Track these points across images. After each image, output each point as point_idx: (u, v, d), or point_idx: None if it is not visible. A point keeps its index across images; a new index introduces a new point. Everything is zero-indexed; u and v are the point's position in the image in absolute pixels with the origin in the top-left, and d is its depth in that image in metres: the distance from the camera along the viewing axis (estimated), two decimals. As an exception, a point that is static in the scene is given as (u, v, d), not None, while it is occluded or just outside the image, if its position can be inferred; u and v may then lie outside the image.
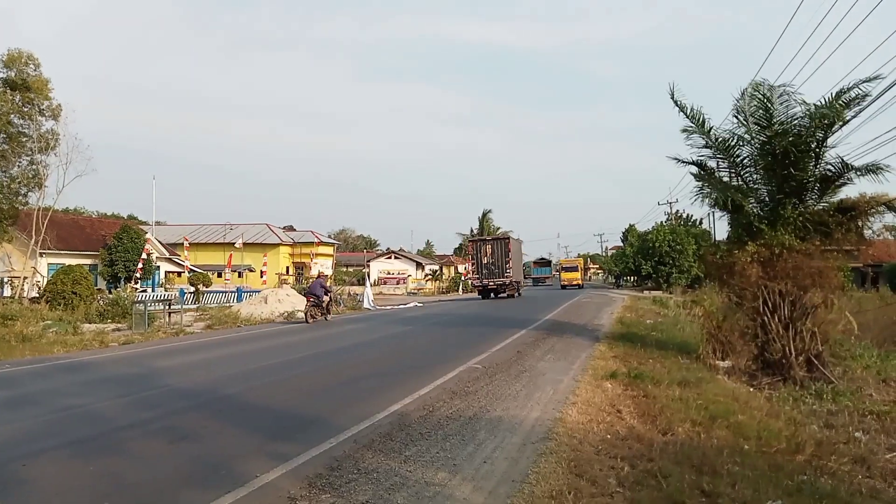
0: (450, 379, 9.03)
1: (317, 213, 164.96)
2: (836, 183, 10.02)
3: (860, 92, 9.40)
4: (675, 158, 11.61)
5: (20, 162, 27.94)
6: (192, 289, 32.74)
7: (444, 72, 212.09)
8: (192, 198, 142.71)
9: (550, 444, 5.60)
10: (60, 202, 31.93)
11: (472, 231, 75.47)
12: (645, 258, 48.49)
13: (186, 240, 38.11)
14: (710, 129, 10.90)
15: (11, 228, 28.46)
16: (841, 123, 9.67)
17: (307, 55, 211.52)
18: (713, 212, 15.70)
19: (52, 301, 22.90)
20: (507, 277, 35.58)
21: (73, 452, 5.65)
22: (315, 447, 5.55)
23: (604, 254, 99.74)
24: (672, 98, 11.07)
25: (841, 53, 16.65)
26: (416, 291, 57.87)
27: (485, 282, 36.21)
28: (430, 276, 66.82)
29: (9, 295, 28.42)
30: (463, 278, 62.71)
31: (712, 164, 11.59)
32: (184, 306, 24.58)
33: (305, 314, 20.81)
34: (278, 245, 52.77)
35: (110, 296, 24.08)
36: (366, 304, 30.95)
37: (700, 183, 11.20)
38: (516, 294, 37.27)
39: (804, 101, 9.91)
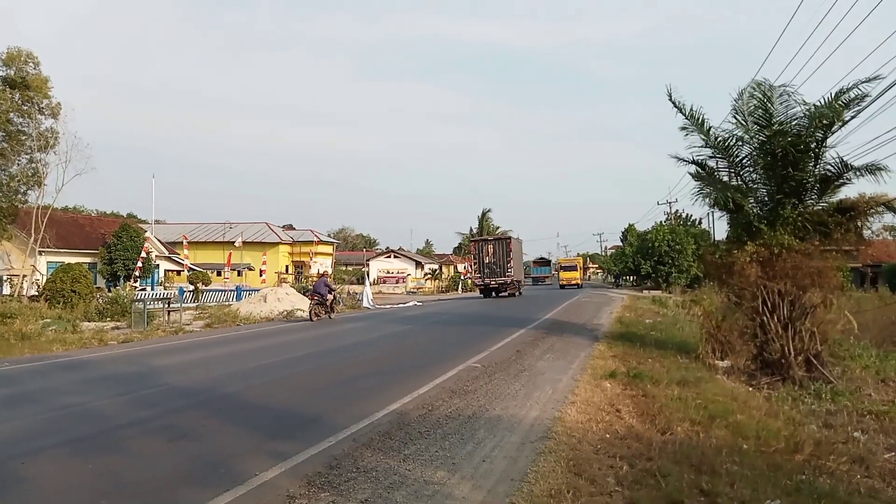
0: (449, 378, 9.03)
1: (316, 212, 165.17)
2: (836, 183, 10.03)
3: (860, 92, 9.40)
4: (676, 157, 11.63)
5: (20, 160, 27.94)
6: (192, 287, 32.75)
7: (444, 72, 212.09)
8: (192, 197, 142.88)
9: (549, 443, 5.60)
10: (60, 200, 32.02)
11: (471, 230, 75.52)
12: (644, 258, 48.54)
13: (186, 238, 38.10)
14: (710, 128, 10.90)
15: (11, 227, 28.43)
16: (840, 124, 9.68)
17: (307, 55, 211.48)
18: (712, 211, 15.72)
19: (51, 299, 22.90)
20: (508, 276, 36.02)
21: (72, 451, 5.65)
22: (314, 446, 5.55)
23: (603, 253, 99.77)
24: (670, 99, 11.08)
25: (841, 53, 16.67)
26: (415, 290, 57.88)
27: (486, 281, 36.69)
28: (429, 276, 66.88)
29: (8, 293, 28.43)
30: (462, 277, 62.81)
31: (712, 163, 11.59)
32: (183, 305, 24.58)
33: (310, 312, 21.03)
34: (278, 244, 52.77)
35: (109, 294, 24.11)
36: (365, 303, 30.97)
37: (700, 182, 11.21)
38: (517, 293, 37.68)
39: (804, 102, 9.92)
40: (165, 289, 34.61)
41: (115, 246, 34.39)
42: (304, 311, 23.83)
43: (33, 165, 28.43)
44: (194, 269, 37.27)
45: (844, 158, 9.83)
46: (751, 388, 9.15)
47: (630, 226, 68.59)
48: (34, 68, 27.41)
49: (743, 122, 10.50)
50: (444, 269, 77.50)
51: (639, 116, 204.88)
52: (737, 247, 10.41)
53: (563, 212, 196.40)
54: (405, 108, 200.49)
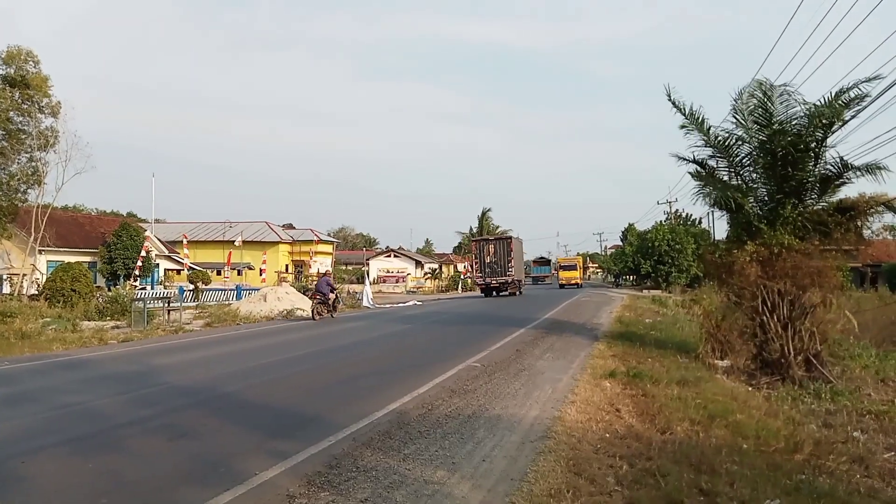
0: (449, 377, 9.03)
1: (316, 211, 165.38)
2: (836, 183, 10.03)
3: (859, 92, 9.40)
4: (676, 156, 11.62)
5: (19, 159, 27.96)
6: (192, 286, 32.73)
7: (444, 71, 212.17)
8: (192, 196, 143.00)
9: (549, 443, 5.61)
10: (60, 199, 32.07)
11: (471, 230, 75.45)
12: (644, 257, 48.56)
13: (185, 237, 38.08)
14: (709, 128, 10.89)
15: (11, 225, 28.44)
16: (840, 123, 9.68)
17: (307, 55, 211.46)
18: (712, 211, 15.73)
19: (51, 298, 22.90)
20: (509, 276, 36.39)
21: (72, 450, 5.65)
22: (314, 445, 5.55)
23: (603, 253, 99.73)
24: (669, 99, 11.07)
25: (841, 52, 16.66)
26: (415, 290, 57.88)
27: (488, 280, 37.09)
28: (429, 275, 66.85)
29: (8, 292, 28.43)
30: (462, 277, 62.80)
31: (712, 163, 11.59)
32: (183, 304, 24.55)
33: (312, 311, 21.26)
34: (277, 243, 52.78)
35: (109, 293, 24.09)
36: (365, 303, 30.98)
37: (700, 182, 11.21)
38: (518, 292, 37.94)
39: (804, 101, 9.91)
40: (165, 288, 34.60)
41: (114, 245, 34.39)
42: (303, 310, 23.86)
43: (33, 164, 28.45)
44: (194, 269, 37.26)
45: (844, 158, 9.84)
46: (750, 388, 9.15)
47: (630, 225, 68.60)
48: (34, 67, 27.43)
49: (743, 122, 10.50)
50: (444, 269, 77.48)
51: (639, 116, 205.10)
52: (737, 246, 10.41)
53: (563, 211, 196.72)
54: (405, 107, 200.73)
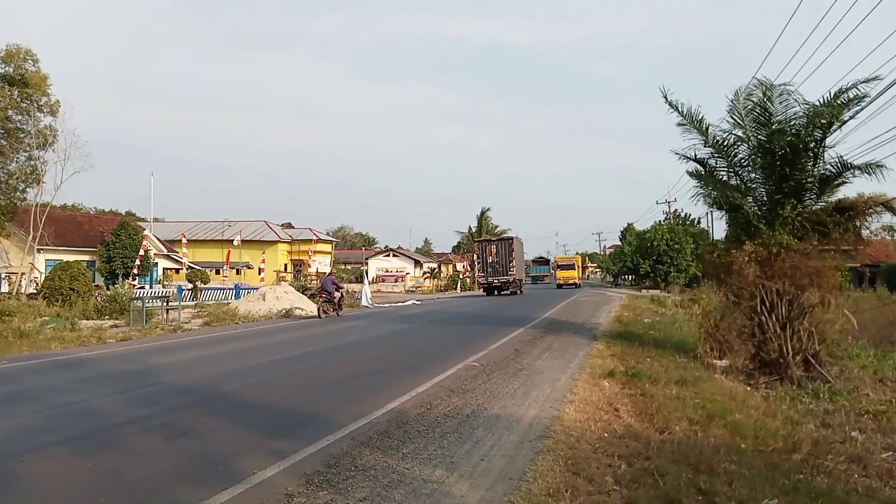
0: (448, 377, 9.04)
1: (315, 210, 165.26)
2: (835, 183, 10.03)
3: (858, 93, 9.40)
4: (677, 153, 11.59)
5: (18, 158, 27.93)
6: (190, 285, 32.72)
7: (443, 71, 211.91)
8: (191, 195, 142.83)
9: (548, 442, 5.61)
10: (58, 198, 32.06)
11: (470, 229, 75.54)
12: (643, 257, 48.58)
13: (184, 236, 38.05)
14: (707, 127, 10.89)
15: (9, 224, 28.41)
16: (839, 124, 9.68)
17: (307, 53, 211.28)
18: (711, 211, 15.74)
19: (49, 297, 22.87)
20: (510, 275, 37.41)
21: (70, 449, 5.65)
22: (312, 444, 5.55)
23: (602, 253, 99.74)
24: (666, 99, 11.07)
25: (842, 52, 16.68)
26: (414, 289, 57.87)
27: (490, 279, 38.10)
28: (428, 274, 66.83)
29: (6, 291, 28.39)
30: (461, 276, 62.81)
31: (711, 162, 11.58)
32: (181, 303, 24.54)
33: (318, 309, 21.87)
34: (276, 242, 52.75)
35: (108, 292, 24.08)
36: (364, 302, 30.99)
37: (699, 181, 11.22)
38: (519, 291, 38.79)
39: (805, 101, 9.91)
40: (164, 287, 34.57)
41: (113, 244, 34.35)
42: (302, 309, 23.91)
43: (32, 163, 28.42)
44: (193, 268, 37.24)
45: (843, 158, 9.84)
46: (749, 388, 9.16)
47: (629, 225, 68.56)
48: (33, 66, 27.42)
49: (740, 122, 10.49)
50: (443, 268, 77.47)
51: (639, 116, 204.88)
52: (735, 246, 10.41)
53: (562, 211, 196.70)
54: (405, 106, 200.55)
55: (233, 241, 42.36)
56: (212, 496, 4.31)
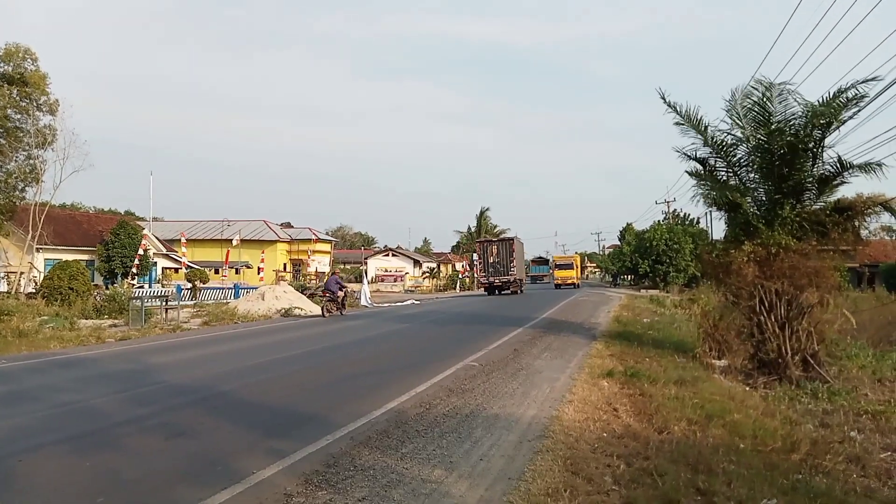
0: (447, 376, 9.04)
1: (315, 209, 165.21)
2: (834, 183, 10.03)
3: (857, 93, 9.40)
4: (679, 151, 11.58)
5: (17, 157, 27.94)
6: (189, 285, 32.69)
7: (443, 71, 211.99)
8: (190, 194, 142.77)
9: (547, 442, 5.61)
10: (57, 197, 32.05)
11: (469, 229, 75.58)
12: (642, 257, 48.61)
13: (183, 236, 38.04)
14: (706, 127, 10.89)
15: (8, 223, 28.40)
16: (838, 124, 9.69)
17: (307, 53, 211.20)
18: (710, 211, 15.75)
19: (48, 296, 22.83)
20: (511, 275, 38.11)
21: (69, 448, 5.65)
22: (311, 444, 5.55)
23: (601, 252, 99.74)
24: (664, 100, 11.07)
25: (841, 51, 16.68)
26: (413, 289, 57.83)
27: (491, 279, 38.78)
28: (427, 274, 66.83)
29: (5, 290, 28.36)
30: (460, 276, 62.81)
31: (712, 162, 11.58)
32: (181, 302, 24.53)
33: (322, 308, 22.20)
34: (276, 242, 52.76)
35: (107, 292, 24.05)
36: (363, 302, 30.99)
37: (698, 181, 11.22)
38: (519, 291, 39.39)
39: (804, 101, 9.90)
40: (163, 286, 34.54)
41: (112, 243, 34.33)
42: (301, 308, 23.93)
43: (31, 162, 28.42)
44: (192, 267, 37.22)
45: (843, 158, 9.83)
46: (748, 388, 9.17)
47: (628, 225, 68.58)
48: (32, 64, 27.43)
49: (738, 122, 10.49)
50: (442, 268, 77.47)
51: (638, 116, 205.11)
52: (734, 246, 10.42)
53: (562, 211, 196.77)
54: (405, 106, 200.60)
55: (232, 240, 42.32)
56: (211, 496, 4.31)
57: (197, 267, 38.29)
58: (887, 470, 5.45)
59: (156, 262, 39.88)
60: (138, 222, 43.31)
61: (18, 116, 27.52)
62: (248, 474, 4.74)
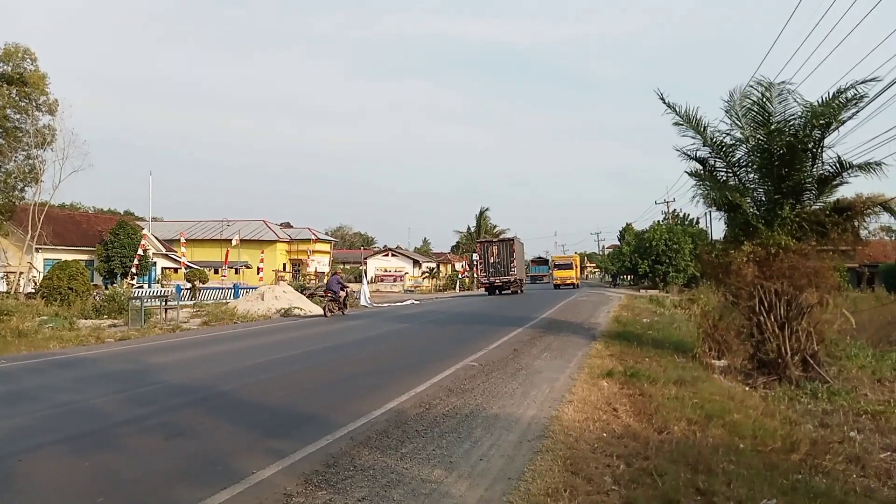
0: (446, 376, 9.04)
1: (314, 209, 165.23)
2: (833, 183, 10.03)
3: (857, 93, 9.40)
4: (679, 150, 11.58)
5: (17, 157, 27.94)
6: (189, 285, 32.68)
7: (443, 70, 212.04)
8: (190, 194, 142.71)
9: (546, 442, 5.61)
10: (57, 197, 32.04)
11: (468, 229, 75.55)
12: (642, 257, 48.61)
13: (183, 236, 38.04)
14: (705, 127, 10.89)
15: (7, 223, 28.38)
16: (838, 124, 9.69)
17: (307, 52, 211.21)
18: (710, 211, 15.76)
19: (48, 296, 22.82)
20: (511, 275, 38.43)
21: (69, 448, 5.64)
22: (311, 444, 5.55)
23: (601, 252, 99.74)
24: (662, 100, 11.06)
25: (841, 51, 16.69)
26: (412, 289, 57.84)
27: (491, 279, 39.13)
28: (426, 274, 66.83)
29: (5, 290, 28.34)
30: (460, 276, 62.80)
31: (712, 162, 11.58)
32: (180, 302, 24.51)
33: (324, 308, 22.42)
34: (275, 242, 52.76)
35: (106, 291, 24.04)
36: (362, 302, 30.98)
37: (697, 181, 11.21)
38: (519, 290, 39.72)
39: (805, 102, 9.90)
40: (163, 286, 34.52)
41: (112, 243, 34.31)
42: (301, 308, 23.94)
43: (30, 162, 28.41)
44: (192, 267, 37.21)
45: (842, 158, 9.84)
46: (747, 388, 9.17)
47: (628, 225, 68.57)
48: (31, 64, 27.42)
49: (737, 122, 10.49)
50: (442, 268, 77.46)
51: (638, 116, 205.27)
52: (734, 246, 10.42)
53: (561, 211, 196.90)
54: (404, 106, 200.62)
55: (231, 240, 42.32)
56: (210, 496, 4.30)
57: (196, 267, 38.28)
58: (887, 470, 5.46)
59: (155, 262, 39.86)
60: (138, 222, 43.26)
61: (18, 116, 27.51)
62: (247, 474, 4.74)
